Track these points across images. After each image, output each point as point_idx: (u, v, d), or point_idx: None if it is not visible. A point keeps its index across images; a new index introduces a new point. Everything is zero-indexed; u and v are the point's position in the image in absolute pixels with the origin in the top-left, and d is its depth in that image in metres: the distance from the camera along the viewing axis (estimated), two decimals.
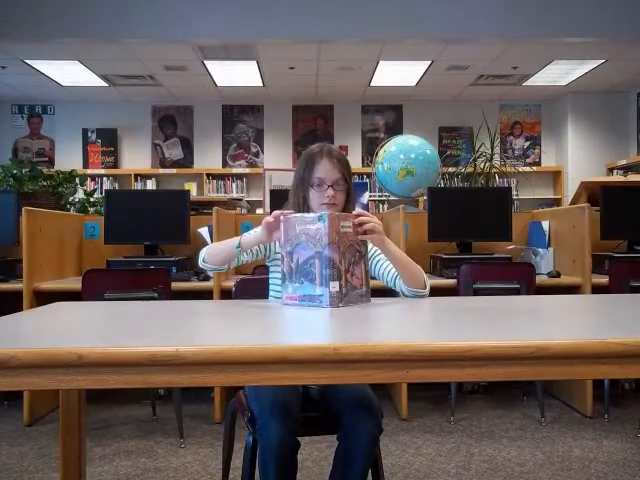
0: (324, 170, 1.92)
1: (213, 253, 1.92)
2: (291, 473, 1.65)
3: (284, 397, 1.69)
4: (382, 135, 8.52)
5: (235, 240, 1.87)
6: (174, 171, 8.60)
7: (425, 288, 1.92)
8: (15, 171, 4.18)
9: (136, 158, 8.64)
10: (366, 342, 1.17)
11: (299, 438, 1.66)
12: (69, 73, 7.17)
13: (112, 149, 8.60)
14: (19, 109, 8.56)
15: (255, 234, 1.87)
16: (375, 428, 1.67)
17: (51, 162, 8.49)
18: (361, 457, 1.66)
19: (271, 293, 2.01)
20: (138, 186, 8.48)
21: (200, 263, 1.94)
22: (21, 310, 2.92)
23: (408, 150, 4.33)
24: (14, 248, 3.52)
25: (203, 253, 1.94)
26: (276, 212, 1.77)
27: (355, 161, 8.68)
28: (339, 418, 1.71)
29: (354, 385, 1.77)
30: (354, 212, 1.80)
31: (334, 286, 1.64)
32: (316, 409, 1.82)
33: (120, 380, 1.11)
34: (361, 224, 1.76)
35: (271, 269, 2.02)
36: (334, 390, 1.79)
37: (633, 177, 5.58)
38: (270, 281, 2.02)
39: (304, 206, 1.95)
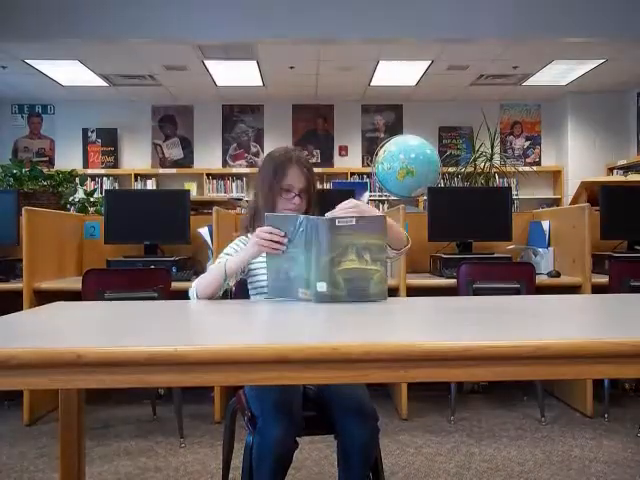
0: (294, 178, 1.96)
1: (202, 289, 1.89)
2: (284, 471, 1.66)
3: (286, 397, 1.69)
4: (382, 135, 8.52)
5: (220, 270, 1.87)
6: (174, 171, 8.60)
7: (408, 244, 1.97)
8: (15, 171, 4.18)
9: (136, 158, 8.64)
10: (365, 342, 1.17)
11: (298, 438, 1.66)
12: (69, 73, 7.17)
13: (112, 149, 8.60)
14: (19, 109, 8.56)
15: (241, 257, 1.87)
16: (368, 434, 1.68)
17: (51, 162, 8.49)
18: (357, 461, 1.67)
19: (252, 292, 2.02)
20: (138, 186, 8.47)
21: (193, 299, 1.91)
22: (21, 310, 2.91)
23: (408, 150, 4.33)
24: (14, 248, 3.52)
25: (194, 291, 1.90)
26: (267, 230, 1.77)
27: (355, 161, 8.70)
28: (336, 424, 1.72)
29: (349, 387, 1.77)
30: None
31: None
32: (314, 409, 1.82)
33: (119, 380, 1.11)
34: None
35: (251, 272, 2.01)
36: (328, 393, 1.79)
37: (633, 177, 5.58)
38: (250, 279, 2.01)
39: (271, 210, 1.97)
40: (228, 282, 1.89)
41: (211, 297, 1.89)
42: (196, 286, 1.90)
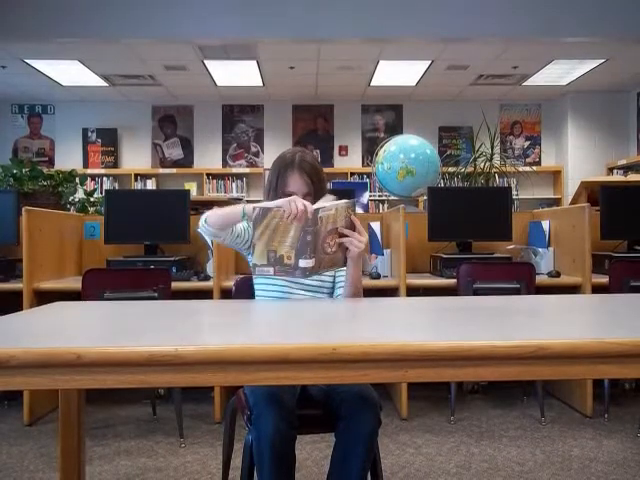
0: (294, 184, 1.96)
1: (218, 213, 1.90)
2: (288, 469, 1.64)
3: (279, 388, 1.69)
4: (382, 135, 8.52)
5: (239, 208, 1.87)
6: (174, 171, 8.60)
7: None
8: (15, 171, 4.18)
9: (136, 158, 8.64)
10: (364, 342, 1.17)
11: (299, 437, 1.66)
12: (69, 73, 7.17)
13: (112, 149, 8.60)
14: (19, 109, 8.56)
15: (262, 204, 1.85)
16: (374, 420, 1.68)
17: (51, 162, 8.49)
18: (361, 450, 1.65)
19: (258, 293, 2.03)
20: (138, 186, 8.48)
21: (201, 225, 1.92)
22: (21, 310, 2.92)
23: (408, 150, 4.33)
24: (14, 248, 3.52)
25: (206, 215, 1.91)
26: (305, 203, 1.75)
27: (355, 161, 8.70)
28: (339, 413, 1.71)
29: None
30: (357, 224, 1.87)
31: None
32: (316, 407, 1.82)
33: (119, 380, 1.11)
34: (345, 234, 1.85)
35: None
36: (334, 384, 1.79)
37: (633, 177, 5.58)
38: (255, 280, 2.03)
39: None
40: (244, 221, 1.89)
41: (220, 229, 1.91)
42: (210, 212, 1.92)
